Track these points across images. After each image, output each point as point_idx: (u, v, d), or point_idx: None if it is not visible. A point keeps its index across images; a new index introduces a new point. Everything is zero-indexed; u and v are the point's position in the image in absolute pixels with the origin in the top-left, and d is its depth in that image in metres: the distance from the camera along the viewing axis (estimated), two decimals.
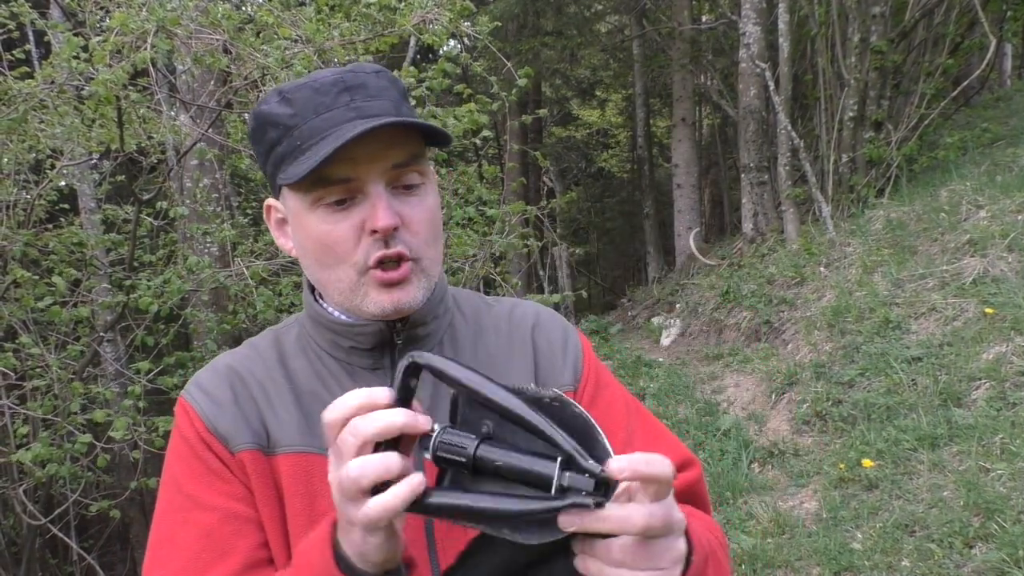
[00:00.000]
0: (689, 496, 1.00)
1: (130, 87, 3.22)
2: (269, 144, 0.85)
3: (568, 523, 0.62)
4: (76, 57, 3.02)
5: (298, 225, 0.86)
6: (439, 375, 0.67)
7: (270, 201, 0.92)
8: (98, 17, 3.39)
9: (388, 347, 0.90)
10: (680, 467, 1.01)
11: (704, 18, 12.20)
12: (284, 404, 0.88)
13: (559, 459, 0.62)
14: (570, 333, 1.02)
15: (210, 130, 3.79)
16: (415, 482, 0.64)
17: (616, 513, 0.62)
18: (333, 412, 0.66)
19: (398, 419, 0.64)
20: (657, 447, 0.98)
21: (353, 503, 0.64)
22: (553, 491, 0.61)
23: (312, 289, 0.93)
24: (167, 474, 0.88)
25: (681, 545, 0.68)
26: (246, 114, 3.88)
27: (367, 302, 0.84)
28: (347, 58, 3.72)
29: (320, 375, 0.90)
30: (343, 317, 0.89)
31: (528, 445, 0.65)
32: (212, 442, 0.85)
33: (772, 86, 7.56)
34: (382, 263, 0.83)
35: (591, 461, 0.61)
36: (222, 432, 0.85)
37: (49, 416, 3.31)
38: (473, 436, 0.66)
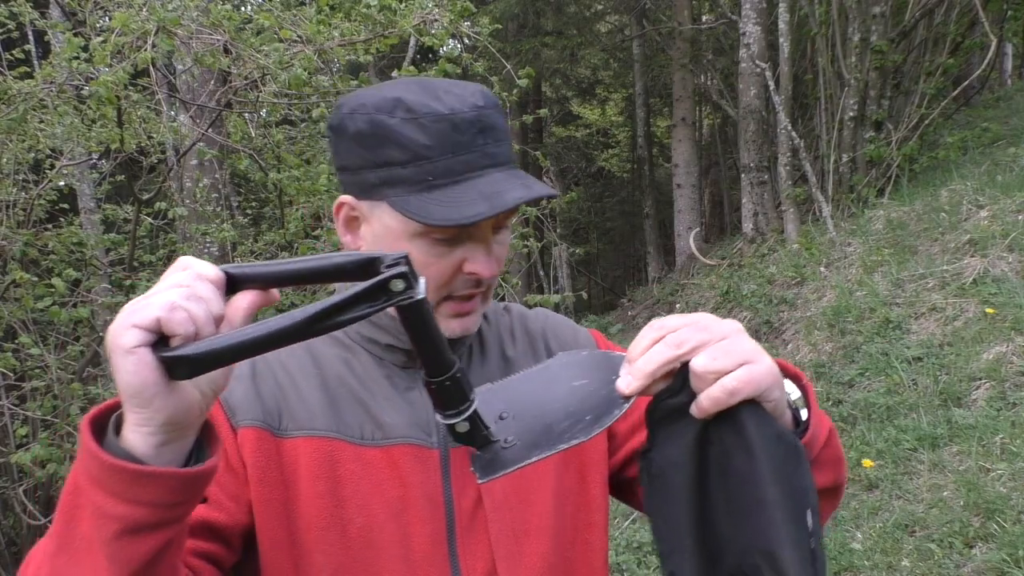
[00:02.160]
0: None
1: (130, 87, 3.22)
2: (387, 160, 0.82)
3: (624, 387, 0.68)
4: (76, 57, 3.02)
5: (391, 244, 0.85)
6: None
7: (345, 199, 0.89)
8: (98, 17, 3.39)
9: None
10: None
11: (704, 18, 12.20)
12: (310, 386, 0.87)
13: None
14: (578, 331, 1.05)
15: (210, 130, 3.79)
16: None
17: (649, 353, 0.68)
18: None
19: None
20: None
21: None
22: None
23: None
24: None
25: (748, 343, 0.68)
26: (246, 114, 3.88)
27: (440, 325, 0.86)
28: (347, 58, 3.72)
29: (348, 363, 0.90)
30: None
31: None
32: (216, 412, 0.83)
33: (772, 86, 7.56)
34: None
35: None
36: (231, 403, 0.84)
37: (48, 417, 3.31)
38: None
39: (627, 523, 4.00)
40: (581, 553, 0.92)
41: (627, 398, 0.68)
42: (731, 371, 0.65)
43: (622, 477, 0.98)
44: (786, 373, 0.77)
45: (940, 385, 4.05)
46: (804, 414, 0.75)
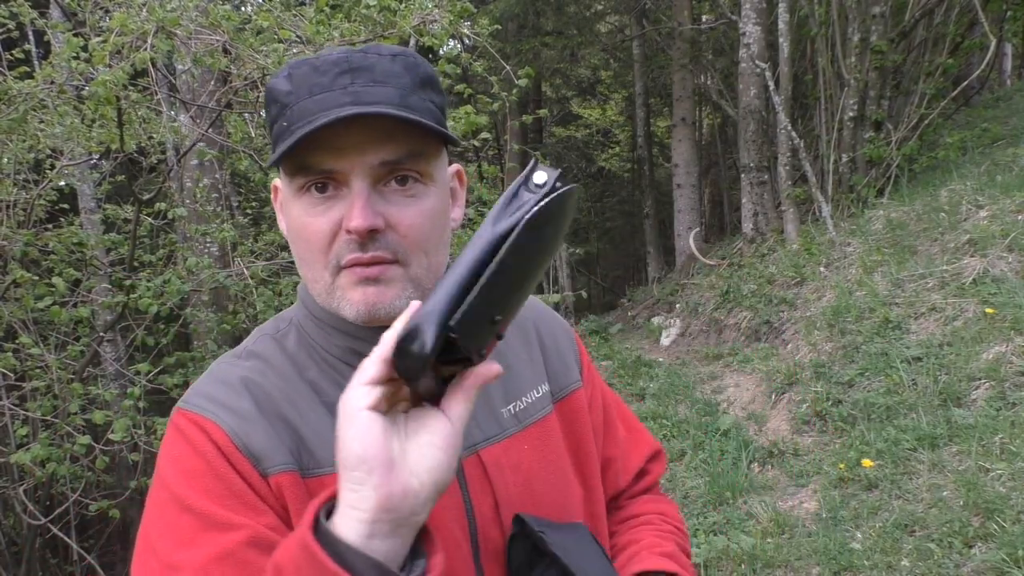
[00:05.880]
0: (654, 484, 1.09)
1: (130, 87, 3.22)
2: (270, 120, 0.79)
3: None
4: (76, 57, 3.02)
5: (286, 211, 0.80)
6: None
7: (275, 181, 0.85)
8: (98, 17, 3.39)
9: None
10: (651, 458, 1.09)
11: (704, 18, 12.19)
12: (319, 418, 0.78)
13: None
14: (567, 329, 1.05)
15: (210, 130, 3.79)
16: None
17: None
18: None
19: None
20: (636, 436, 1.08)
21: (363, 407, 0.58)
22: None
23: None
24: (165, 493, 0.73)
25: None
26: (246, 114, 3.88)
27: (343, 304, 0.77)
28: None
29: (340, 385, 0.80)
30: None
31: None
32: (240, 462, 0.73)
33: (772, 86, 7.56)
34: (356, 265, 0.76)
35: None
36: (254, 451, 0.74)
37: (48, 417, 3.31)
38: None
39: None
40: None
41: None
42: None
43: None
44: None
45: (940, 385, 4.05)
46: None
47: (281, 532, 0.71)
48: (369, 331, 0.80)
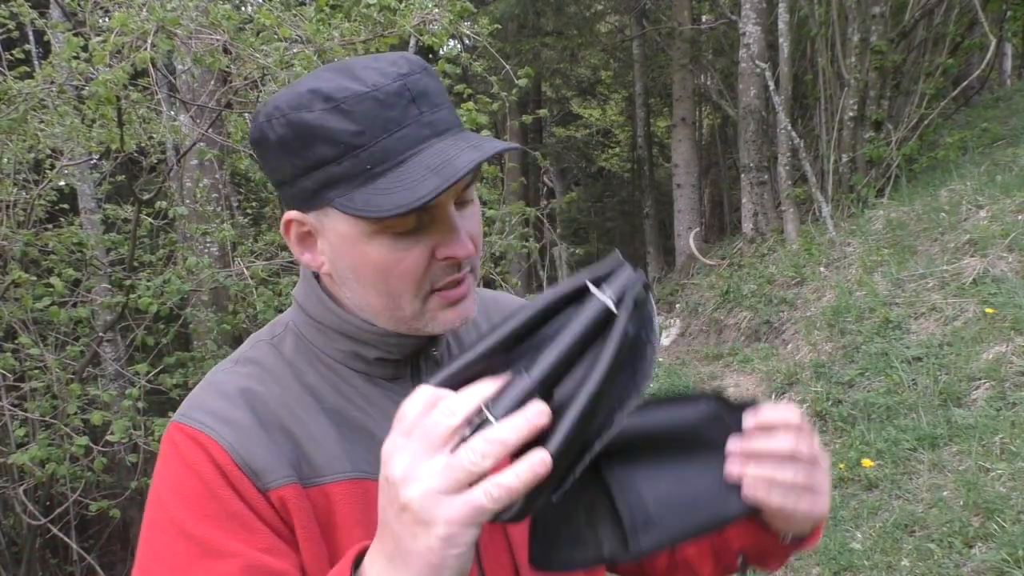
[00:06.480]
0: None
1: (130, 87, 3.22)
2: (319, 160, 0.73)
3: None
4: (76, 57, 3.02)
5: (350, 251, 0.76)
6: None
7: (291, 215, 0.80)
8: (98, 17, 3.39)
9: (415, 354, 0.85)
10: None
11: (704, 18, 12.20)
12: (320, 425, 0.78)
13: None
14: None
15: (210, 130, 3.79)
16: (540, 459, 0.57)
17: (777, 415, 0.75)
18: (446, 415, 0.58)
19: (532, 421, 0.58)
20: None
21: (450, 496, 0.56)
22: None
23: (323, 291, 0.83)
24: (162, 515, 0.73)
25: (825, 481, 0.77)
26: (247, 114, 3.88)
27: (433, 323, 0.79)
28: (347, 58, 3.72)
29: (340, 389, 0.82)
30: (375, 325, 0.81)
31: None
32: (238, 480, 0.72)
33: (772, 86, 7.56)
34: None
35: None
36: (255, 467, 0.73)
37: (47, 418, 3.31)
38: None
39: None
40: None
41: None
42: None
43: None
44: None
45: (940, 385, 4.05)
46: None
47: (277, 551, 0.72)
48: (375, 336, 0.80)
